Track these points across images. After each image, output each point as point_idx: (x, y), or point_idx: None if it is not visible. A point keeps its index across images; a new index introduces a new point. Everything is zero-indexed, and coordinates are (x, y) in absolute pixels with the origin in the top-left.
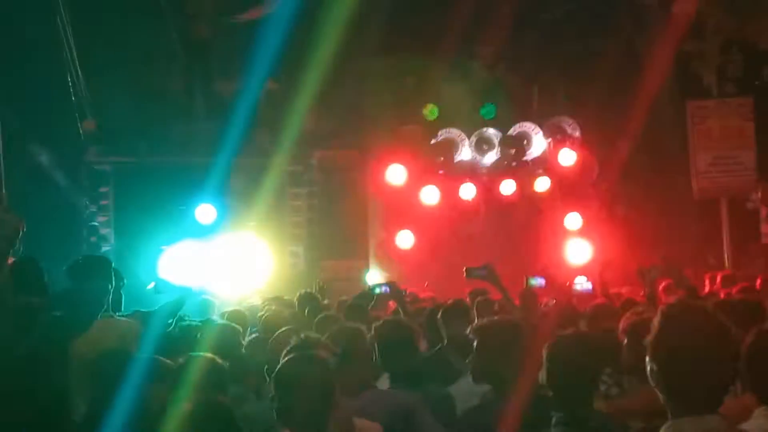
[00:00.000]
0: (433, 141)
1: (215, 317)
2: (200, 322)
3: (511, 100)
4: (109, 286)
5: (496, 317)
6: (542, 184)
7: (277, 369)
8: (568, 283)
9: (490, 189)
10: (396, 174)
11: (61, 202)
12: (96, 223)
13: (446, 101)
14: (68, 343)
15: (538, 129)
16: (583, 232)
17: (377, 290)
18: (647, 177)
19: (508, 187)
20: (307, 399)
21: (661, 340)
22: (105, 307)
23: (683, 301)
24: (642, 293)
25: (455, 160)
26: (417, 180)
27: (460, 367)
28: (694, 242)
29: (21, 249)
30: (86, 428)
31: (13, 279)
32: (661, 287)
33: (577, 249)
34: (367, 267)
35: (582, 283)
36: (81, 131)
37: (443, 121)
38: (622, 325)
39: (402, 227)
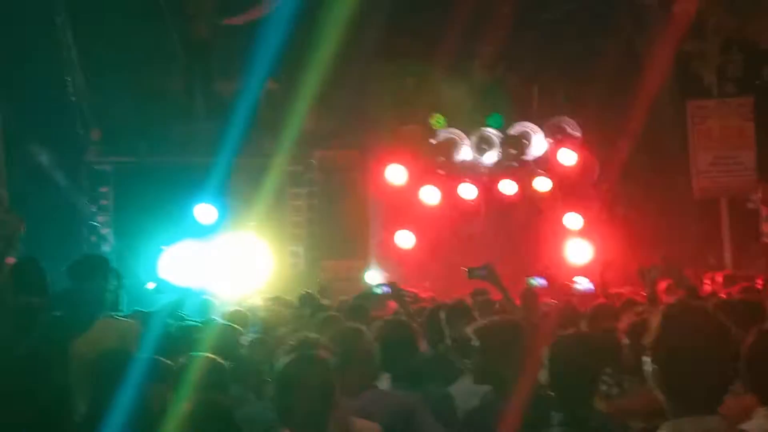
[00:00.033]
0: (433, 141)
1: (215, 317)
2: (200, 322)
3: (511, 100)
4: (109, 286)
5: (496, 317)
6: (543, 184)
7: (277, 369)
8: (567, 283)
9: (490, 189)
10: (396, 174)
11: (61, 202)
12: (96, 223)
13: (446, 101)
14: (68, 343)
15: (538, 129)
16: (583, 233)
17: (377, 290)
18: (647, 177)
19: (508, 187)
20: (308, 399)
21: (661, 340)
22: (105, 307)
23: (683, 301)
24: (643, 293)
25: (455, 160)
26: (417, 180)
27: (461, 366)
28: (694, 242)
29: (21, 249)
30: (86, 428)
31: (14, 279)
32: (662, 288)
33: (578, 249)
34: (367, 267)
35: (583, 283)
36: (89, 137)
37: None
38: (622, 325)
39: (402, 227)
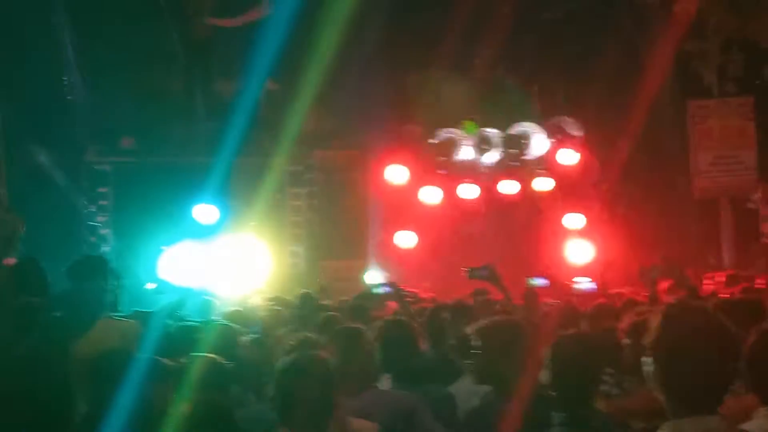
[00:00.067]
0: (433, 141)
1: (215, 317)
2: (200, 322)
3: (511, 100)
4: (108, 286)
5: (497, 317)
6: (543, 184)
7: (277, 369)
8: (568, 283)
9: (490, 189)
10: (396, 174)
11: (61, 202)
12: (95, 223)
13: (446, 101)
14: (68, 343)
15: (538, 129)
16: (583, 232)
17: (378, 290)
18: (647, 177)
19: (508, 187)
20: (308, 399)
21: (662, 340)
22: (104, 307)
23: (684, 301)
24: (643, 293)
25: (456, 160)
26: (417, 180)
27: (462, 366)
28: (694, 242)
29: (21, 249)
30: (86, 428)
31: (14, 279)
32: (663, 288)
33: (578, 249)
34: (366, 267)
35: (585, 283)
36: (88, 137)
37: (443, 121)
38: (623, 325)
39: (402, 227)
